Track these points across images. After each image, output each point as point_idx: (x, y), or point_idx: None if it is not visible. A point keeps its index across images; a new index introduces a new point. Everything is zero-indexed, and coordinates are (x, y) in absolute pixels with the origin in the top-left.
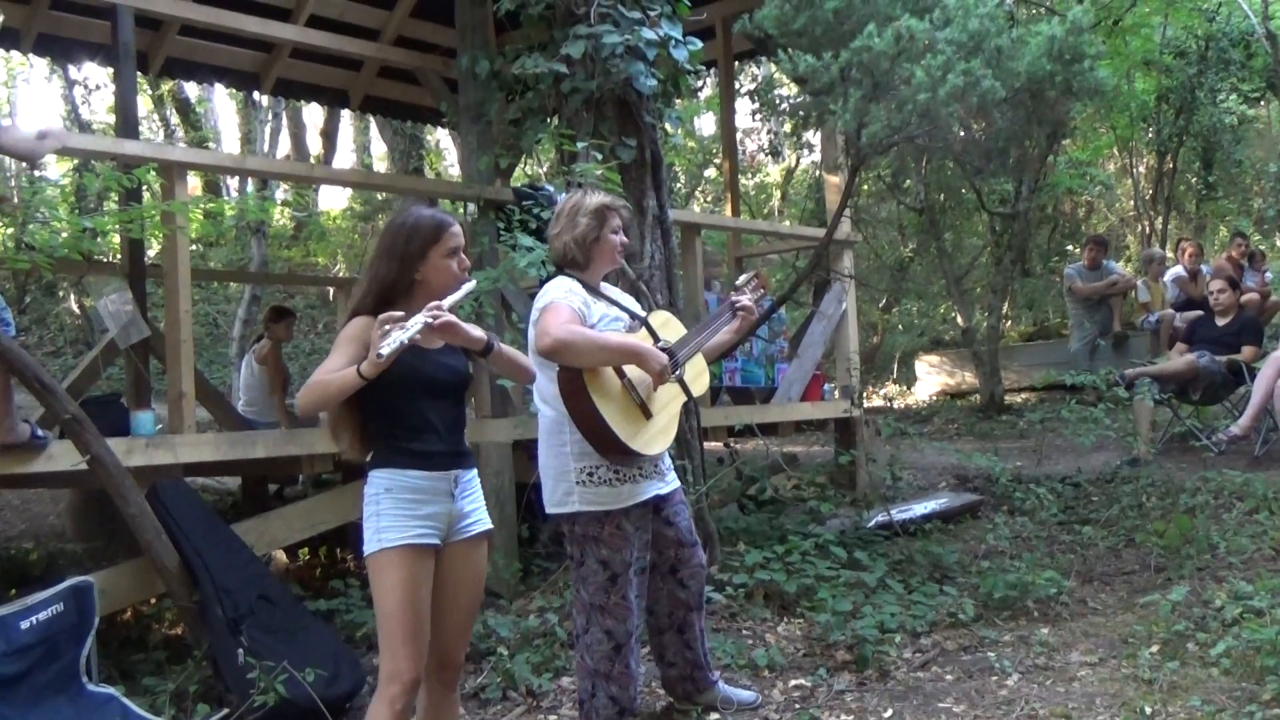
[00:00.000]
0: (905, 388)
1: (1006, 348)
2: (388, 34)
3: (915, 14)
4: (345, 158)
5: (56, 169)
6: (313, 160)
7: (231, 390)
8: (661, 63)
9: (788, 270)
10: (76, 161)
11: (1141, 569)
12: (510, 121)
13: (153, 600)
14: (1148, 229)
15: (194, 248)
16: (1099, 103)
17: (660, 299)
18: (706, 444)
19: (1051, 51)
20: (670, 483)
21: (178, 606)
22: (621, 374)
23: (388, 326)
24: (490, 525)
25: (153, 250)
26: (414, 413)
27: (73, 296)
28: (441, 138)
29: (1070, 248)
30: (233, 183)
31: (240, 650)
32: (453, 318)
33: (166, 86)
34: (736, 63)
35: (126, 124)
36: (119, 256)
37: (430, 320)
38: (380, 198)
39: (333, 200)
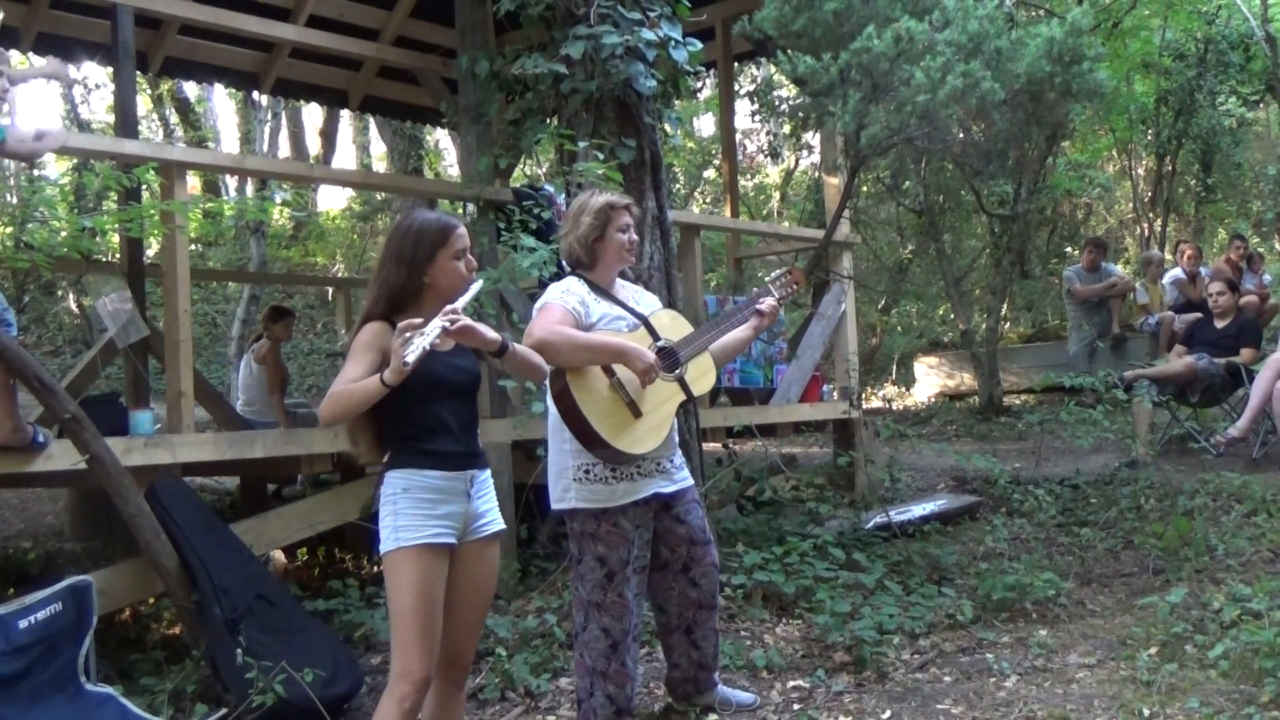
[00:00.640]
0: (904, 389)
1: (1005, 349)
2: (387, 34)
3: (915, 15)
4: (345, 158)
5: (56, 168)
6: (312, 160)
7: (230, 390)
8: (661, 63)
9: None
10: (76, 161)
11: (1140, 571)
12: (510, 122)
13: (151, 600)
14: (1146, 231)
15: (193, 247)
16: (1098, 105)
17: (660, 299)
18: (705, 445)
19: (1051, 53)
20: (679, 481)
21: (176, 606)
22: (610, 373)
23: (409, 334)
24: (504, 525)
25: (152, 250)
26: (428, 414)
27: (71, 296)
28: (441, 138)
29: (1069, 250)
30: (232, 182)
31: (238, 650)
32: (469, 320)
33: (166, 86)
34: (736, 64)
35: (126, 123)
36: (118, 256)
37: (448, 325)
38: (379, 198)
39: (332, 200)
